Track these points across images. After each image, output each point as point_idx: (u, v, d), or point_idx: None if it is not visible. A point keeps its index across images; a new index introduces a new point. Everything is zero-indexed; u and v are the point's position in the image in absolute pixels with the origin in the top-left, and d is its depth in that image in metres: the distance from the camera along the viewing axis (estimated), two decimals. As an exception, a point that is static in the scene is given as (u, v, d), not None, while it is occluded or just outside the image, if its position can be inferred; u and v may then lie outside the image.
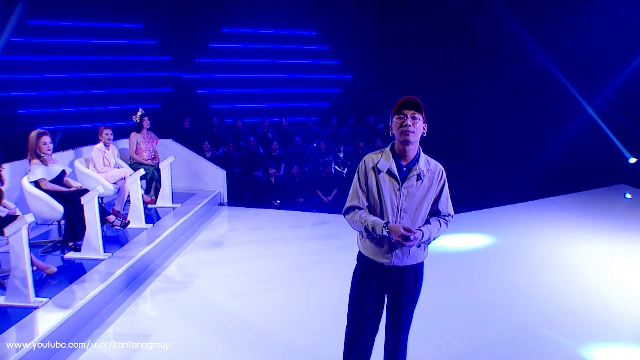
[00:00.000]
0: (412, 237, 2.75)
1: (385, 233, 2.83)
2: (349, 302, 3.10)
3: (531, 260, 6.25)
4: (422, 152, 2.96)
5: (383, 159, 2.93)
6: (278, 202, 9.68)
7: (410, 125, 2.82)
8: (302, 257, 6.20)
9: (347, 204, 3.03)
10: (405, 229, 2.78)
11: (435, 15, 13.20)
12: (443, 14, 13.20)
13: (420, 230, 2.86)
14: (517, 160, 12.22)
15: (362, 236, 3.00)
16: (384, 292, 3.07)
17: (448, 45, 13.47)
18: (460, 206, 8.68)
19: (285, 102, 12.45)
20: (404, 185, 2.89)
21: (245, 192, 9.93)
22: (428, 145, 3.19)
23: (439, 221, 3.00)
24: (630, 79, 13.06)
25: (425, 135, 2.92)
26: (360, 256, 3.08)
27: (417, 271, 3.04)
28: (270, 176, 9.87)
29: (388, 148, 2.97)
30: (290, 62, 12.54)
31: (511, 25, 13.15)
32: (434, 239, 2.97)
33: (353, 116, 12.27)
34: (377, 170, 2.91)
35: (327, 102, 12.95)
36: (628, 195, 10.03)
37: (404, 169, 2.92)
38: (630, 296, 5.19)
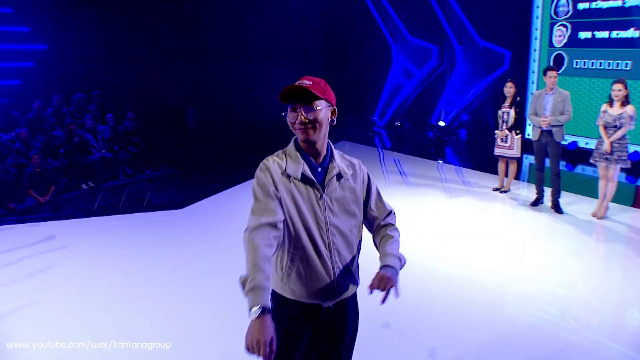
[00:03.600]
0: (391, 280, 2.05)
1: (253, 316, 1.86)
2: None
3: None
4: (332, 146, 2.24)
5: (290, 162, 2.14)
6: (-20, 214, 7.81)
7: (307, 123, 2.07)
8: (27, 286, 4.89)
9: (255, 222, 2.03)
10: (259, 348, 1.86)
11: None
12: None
13: (391, 267, 2.14)
14: (235, 129, 12.48)
15: (283, 270, 2.16)
16: (316, 343, 2.27)
17: (157, 13, 12.63)
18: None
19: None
20: (325, 191, 2.15)
21: None
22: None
23: (393, 234, 2.29)
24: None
25: (334, 123, 2.19)
26: (282, 302, 2.19)
27: (355, 298, 2.36)
28: (-37, 182, 7.85)
29: (291, 146, 2.19)
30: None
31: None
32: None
33: (59, 95, 10.58)
34: (286, 177, 2.12)
35: (18, 79, 10.79)
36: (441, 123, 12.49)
37: (319, 169, 2.17)
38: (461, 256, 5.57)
